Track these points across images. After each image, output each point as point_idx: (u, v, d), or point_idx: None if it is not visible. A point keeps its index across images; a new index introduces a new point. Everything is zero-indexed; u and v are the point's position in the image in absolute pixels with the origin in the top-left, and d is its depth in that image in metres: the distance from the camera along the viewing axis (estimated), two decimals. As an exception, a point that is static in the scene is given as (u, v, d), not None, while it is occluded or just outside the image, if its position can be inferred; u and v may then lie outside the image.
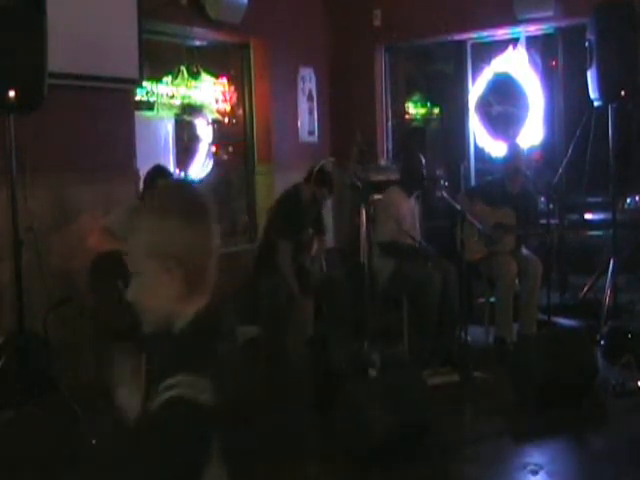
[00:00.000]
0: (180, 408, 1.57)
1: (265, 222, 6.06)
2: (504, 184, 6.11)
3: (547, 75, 7.52)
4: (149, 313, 1.72)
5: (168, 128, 6.65)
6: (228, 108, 7.18)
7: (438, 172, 8.15)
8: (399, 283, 5.76)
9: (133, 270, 1.71)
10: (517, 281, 6.01)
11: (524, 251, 6.13)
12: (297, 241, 5.70)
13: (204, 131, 7.03)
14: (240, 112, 7.26)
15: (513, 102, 7.55)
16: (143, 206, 1.74)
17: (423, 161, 6.02)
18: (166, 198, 1.73)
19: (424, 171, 6.02)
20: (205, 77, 6.92)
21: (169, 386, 1.57)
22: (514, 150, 6.36)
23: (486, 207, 6.00)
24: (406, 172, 6.12)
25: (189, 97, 6.79)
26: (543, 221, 6.08)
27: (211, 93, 7.01)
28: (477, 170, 7.72)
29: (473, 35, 7.63)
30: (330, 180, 5.78)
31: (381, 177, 6.92)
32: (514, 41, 7.46)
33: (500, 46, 7.61)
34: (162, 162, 5.67)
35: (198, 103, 6.91)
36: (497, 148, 7.50)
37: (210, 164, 7.07)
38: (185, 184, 1.85)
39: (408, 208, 5.99)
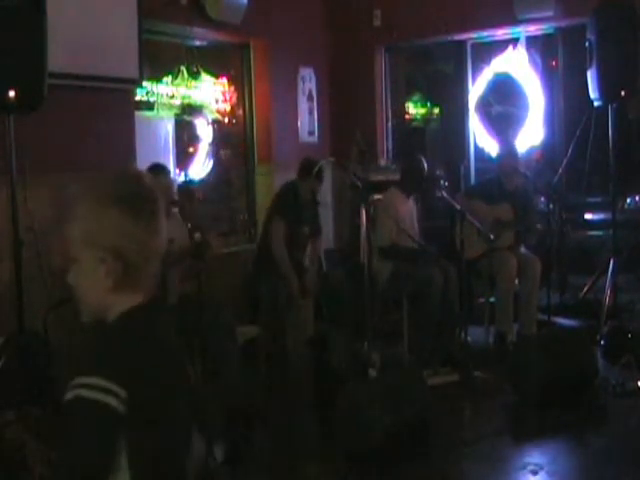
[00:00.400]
0: (79, 410, 1.55)
1: (264, 221, 6.05)
2: (501, 182, 6.18)
3: (547, 75, 7.51)
4: (86, 302, 1.67)
5: (168, 128, 6.64)
6: (228, 108, 7.18)
7: (438, 172, 8.16)
8: (399, 283, 5.76)
9: (72, 256, 1.65)
10: (517, 281, 6.02)
11: (522, 250, 6.15)
12: (293, 234, 5.69)
13: (204, 131, 7.03)
14: (240, 112, 7.26)
15: (513, 102, 7.55)
16: (84, 191, 1.65)
17: (425, 163, 6.04)
18: (113, 188, 1.65)
19: (425, 173, 6.04)
20: (205, 77, 6.92)
21: (76, 385, 1.55)
22: (507, 148, 6.47)
23: (484, 205, 6.02)
24: (406, 173, 6.13)
25: (189, 97, 6.79)
26: (543, 221, 6.11)
27: (211, 93, 7.01)
28: (477, 170, 7.71)
29: (473, 35, 7.63)
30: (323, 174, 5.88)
31: (381, 177, 6.93)
32: (514, 41, 7.46)
33: (500, 46, 7.61)
34: (162, 162, 5.66)
35: (198, 103, 6.91)
36: (497, 148, 7.50)
37: (210, 164, 7.07)
38: (138, 176, 1.72)
39: (407, 209, 6.01)
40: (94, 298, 1.66)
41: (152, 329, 1.69)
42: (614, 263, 6.05)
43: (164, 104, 6.54)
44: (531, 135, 7.44)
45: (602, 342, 5.68)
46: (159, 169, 4.98)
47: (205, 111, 6.99)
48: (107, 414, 1.53)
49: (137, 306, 1.66)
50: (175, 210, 4.99)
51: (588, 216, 7.14)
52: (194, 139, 6.99)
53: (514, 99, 7.54)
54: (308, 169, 5.71)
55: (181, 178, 6.67)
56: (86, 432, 1.55)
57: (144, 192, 1.67)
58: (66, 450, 1.58)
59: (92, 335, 1.68)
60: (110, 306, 1.66)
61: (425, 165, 6.05)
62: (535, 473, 3.96)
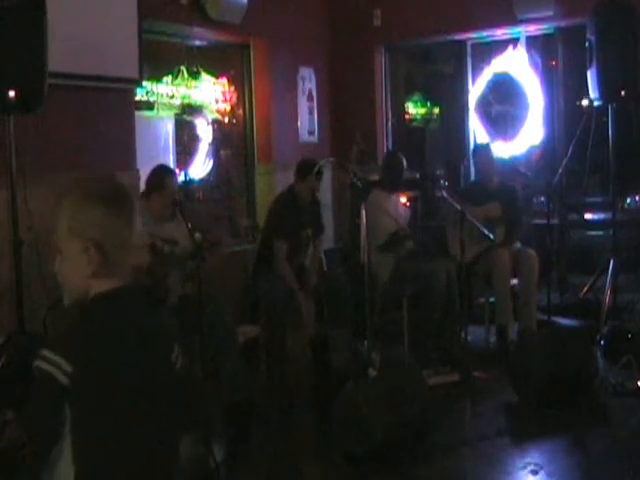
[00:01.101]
0: (37, 377, 1.77)
1: (263, 224, 6.05)
2: (485, 182, 6.33)
3: (547, 75, 7.52)
4: (68, 287, 1.90)
5: (168, 128, 6.65)
6: (228, 108, 7.18)
7: (438, 172, 8.17)
8: (401, 283, 5.77)
9: (59, 247, 1.89)
10: (516, 279, 6.03)
11: (518, 245, 6.16)
12: (294, 241, 5.69)
13: (204, 131, 7.02)
14: (240, 112, 7.26)
15: (513, 102, 7.56)
16: (73, 190, 1.91)
17: (404, 161, 6.20)
18: (96, 188, 1.91)
19: (403, 170, 6.18)
20: (205, 77, 6.91)
21: (40, 356, 1.77)
22: (483, 147, 6.69)
23: (473, 207, 6.03)
24: (385, 172, 6.24)
25: (189, 97, 6.79)
26: (543, 220, 6.12)
27: (211, 93, 7.01)
28: (477, 170, 7.70)
29: (473, 35, 7.63)
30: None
31: (381, 177, 6.94)
32: (514, 41, 7.46)
33: (500, 46, 7.61)
34: (162, 162, 5.66)
35: (198, 103, 6.90)
36: (498, 148, 7.50)
37: (210, 164, 7.07)
38: (115, 180, 2.09)
39: (392, 206, 6.07)
40: (75, 282, 1.88)
41: (121, 311, 1.88)
42: (614, 263, 6.05)
43: (164, 104, 6.54)
44: (531, 135, 7.44)
45: (602, 342, 5.68)
46: (167, 171, 4.97)
47: (205, 111, 6.99)
48: (51, 384, 1.74)
49: (112, 289, 1.86)
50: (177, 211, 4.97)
51: (588, 216, 7.14)
52: (194, 139, 6.99)
53: (514, 99, 7.55)
54: (306, 169, 5.71)
55: (181, 178, 6.67)
56: (35, 399, 1.81)
57: (123, 193, 1.92)
58: (27, 413, 1.85)
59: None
60: (89, 290, 1.87)
61: (404, 162, 6.19)
62: (535, 473, 3.96)
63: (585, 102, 7.09)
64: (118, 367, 1.81)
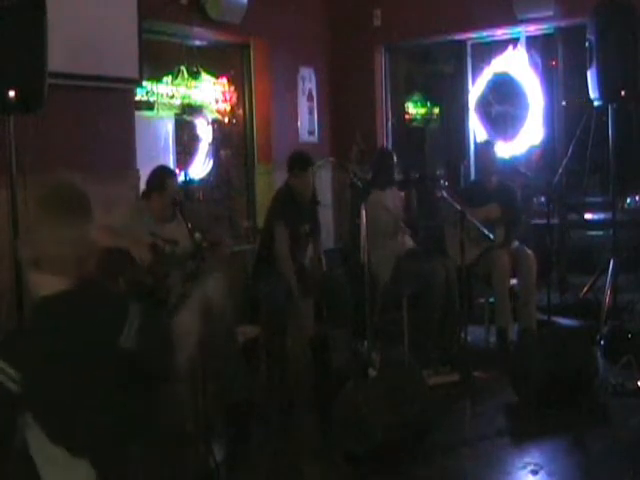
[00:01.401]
0: None
1: (263, 224, 6.04)
2: (483, 183, 6.30)
3: (547, 75, 7.52)
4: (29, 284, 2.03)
5: (168, 128, 6.65)
6: (228, 108, 7.19)
7: (438, 172, 8.18)
8: (402, 281, 5.78)
9: None
10: (516, 280, 6.03)
11: (516, 244, 6.16)
12: (293, 236, 5.67)
13: (204, 131, 7.03)
14: (240, 112, 7.27)
15: (513, 102, 7.56)
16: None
17: (394, 158, 6.23)
18: (47, 191, 2.08)
19: (394, 166, 6.20)
20: (205, 77, 6.92)
21: None
22: (481, 146, 6.78)
23: (472, 209, 6.03)
24: (377, 171, 6.24)
25: (189, 97, 6.79)
26: (543, 220, 6.12)
27: (211, 93, 7.01)
28: (477, 170, 7.72)
29: (473, 35, 7.63)
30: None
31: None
32: (514, 41, 7.47)
33: (500, 46, 7.61)
34: (162, 162, 5.67)
35: (198, 103, 6.91)
36: (498, 148, 7.50)
37: (210, 164, 7.07)
38: (70, 185, 2.16)
39: (390, 203, 6.09)
40: (26, 277, 2.03)
41: (63, 315, 1.93)
42: (614, 263, 6.05)
43: (164, 104, 6.55)
44: (531, 135, 7.44)
45: (602, 342, 5.68)
46: (168, 171, 4.97)
47: (205, 111, 6.99)
48: (3, 394, 1.79)
49: (56, 293, 1.93)
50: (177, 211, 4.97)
51: (588, 216, 7.14)
52: (194, 139, 6.99)
53: (514, 99, 7.55)
54: (294, 163, 5.70)
55: (181, 178, 6.67)
56: None
57: (68, 194, 2.08)
58: None
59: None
60: (36, 286, 1.96)
61: (394, 158, 6.22)
62: (535, 473, 3.96)
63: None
64: (60, 370, 1.84)
